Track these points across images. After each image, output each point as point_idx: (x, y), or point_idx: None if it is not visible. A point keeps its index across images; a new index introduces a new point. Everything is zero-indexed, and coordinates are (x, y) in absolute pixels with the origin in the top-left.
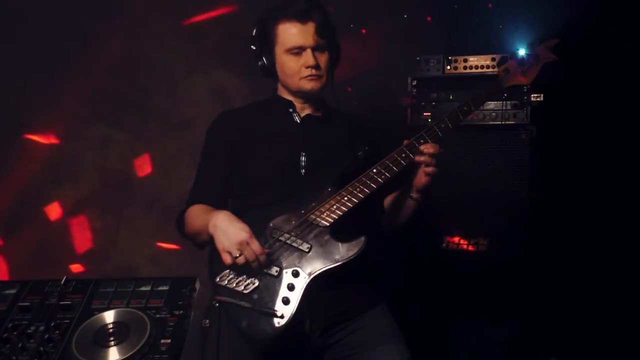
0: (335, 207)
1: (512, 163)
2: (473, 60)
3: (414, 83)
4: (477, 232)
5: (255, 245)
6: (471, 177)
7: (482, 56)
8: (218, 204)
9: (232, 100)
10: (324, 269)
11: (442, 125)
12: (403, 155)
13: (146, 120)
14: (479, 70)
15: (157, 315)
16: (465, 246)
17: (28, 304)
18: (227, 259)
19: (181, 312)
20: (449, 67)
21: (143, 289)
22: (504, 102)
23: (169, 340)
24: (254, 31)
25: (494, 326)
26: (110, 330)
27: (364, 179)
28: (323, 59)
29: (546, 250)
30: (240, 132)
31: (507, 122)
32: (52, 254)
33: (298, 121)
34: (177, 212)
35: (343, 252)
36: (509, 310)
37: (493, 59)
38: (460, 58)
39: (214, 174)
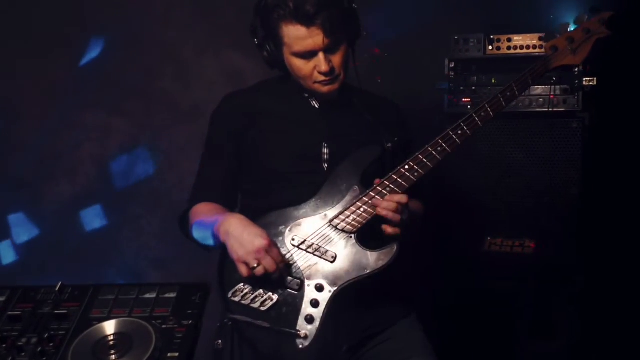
0: (362, 209)
1: (562, 155)
2: (518, 39)
3: (452, 65)
4: (523, 233)
5: (275, 253)
6: (515, 171)
7: (529, 35)
8: (226, 202)
9: (248, 84)
10: (351, 282)
11: (482, 114)
12: (438, 148)
13: (151, 108)
14: (525, 50)
15: (164, 326)
16: (509, 248)
17: (19, 313)
18: (243, 270)
19: (190, 322)
20: (490, 48)
21: (148, 296)
22: (553, 86)
23: (176, 354)
24: (255, 22)
25: (542, 339)
26: (111, 343)
27: (394, 177)
28: (337, 59)
29: (601, 253)
30: (250, 117)
31: (556, 109)
32: (47, 257)
33: (317, 107)
34: (178, 216)
35: (372, 261)
36: (559, 321)
37: (540, 38)
38: (504, 37)
39: (221, 166)
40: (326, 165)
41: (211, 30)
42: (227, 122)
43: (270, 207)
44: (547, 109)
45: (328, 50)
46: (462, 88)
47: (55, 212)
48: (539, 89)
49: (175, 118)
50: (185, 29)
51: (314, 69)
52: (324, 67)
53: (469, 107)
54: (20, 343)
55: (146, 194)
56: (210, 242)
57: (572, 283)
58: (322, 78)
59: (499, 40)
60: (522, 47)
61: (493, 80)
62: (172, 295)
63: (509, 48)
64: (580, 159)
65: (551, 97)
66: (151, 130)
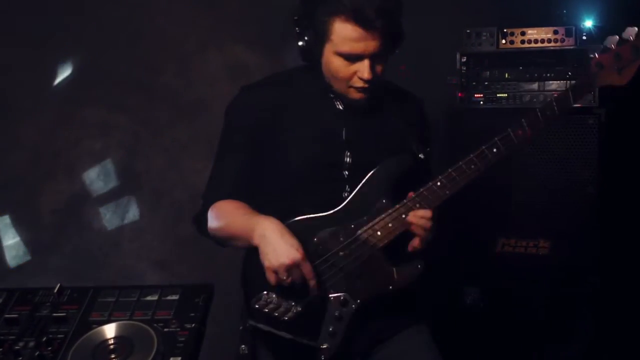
0: (390, 225)
1: (578, 153)
2: (532, 32)
3: (464, 60)
4: (537, 233)
5: (307, 269)
6: (529, 170)
7: (543, 28)
8: (243, 200)
9: (252, 79)
10: (374, 297)
11: (520, 132)
12: (472, 166)
13: (152, 103)
14: (539, 44)
15: (166, 329)
16: (523, 249)
17: (16, 315)
18: (272, 279)
19: (193, 325)
20: (504, 41)
21: (149, 298)
22: (568, 82)
23: (179, 358)
24: (299, 9)
25: (557, 342)
26: (111, 347)
27: (425, 193)
28: (380, 67)
29: (618, 254)
30: (269, 113)
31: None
32: (44, 258)
33: (341, 108)
34: (190, 207)
35: (396, 278)
36: (574, 324)
37: (555, 32)
38: (517, 30)
39: (238, 163)
40: (347, 173)
41: (214, 23)
42: (244, 116)
43: (288, 211)
44: None
45: (375, 58)
46: (474, 83)
47: (53, 211)
48: (553, 84)
49: (177, 114)
50: (187, 23)
51: (354, 73)
52: (366, 75)
53: (481, 102)
54: (17, 347)
55: (147, 192)
56: (238, 242)
57: (588, 285)
58: (360, 84)
59: (512, 34)
60: (536, 41)
61: (506, 75)
62: (175, 297)
63: (522, 42)
64: (597, 156)
65: None
66: (152, 126)
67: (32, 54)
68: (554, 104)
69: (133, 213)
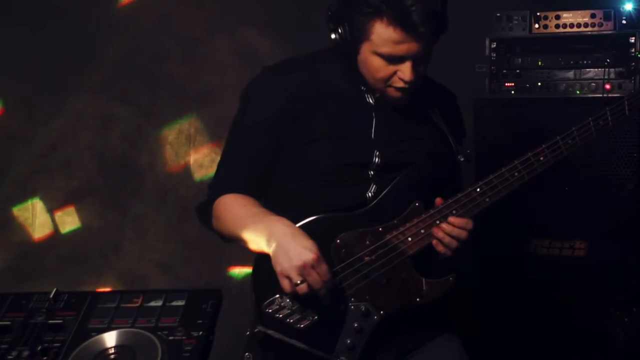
0: (423, 231)
1: (618, 146)
2: (567, 16)
3: (494, 45)
4: (573, 233)
5: (323, 270)
6: (565, 165)
7: (580, 11)
8: (255, 193)
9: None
10: (399, 310)
11: (570, 141)
12: (515, 174)
13: (156, 93)
14: (575, 29)
15: (171, 337)
16: (558, 251)
17: (8, 322)
18: (286, 285)
19: (200, 333)
20: (537, 26)
21: (153, 304)
22: (606, 69)
23: None
24: (337, 4)
25: (597, 350)
26: (112, 356)
27: (463, 199)
28: (422, 68)
29: None
30: (291, 102)
31: (610, 95)
32: (38, 260)
33: (372, 102)
34: (198, 203)
35: (426, 291)
36: (614, 331)
37: (593, 15)
38: (551, 14)
39: (254, 153)
40: (372, 173)
41: (223, 7)
42: (265, 101)
43: (305, 208)
44: (600, 95)
45: (418, 60)
46: (504, 71)
47: (49, 210)
48: (590, 72)
49: (183, 105)
50: (194, 6)
51: (394, 73)
52: (408, 76)
53: (512, 92)
54: (10, 357)
55: (150, 189)
56: (247, 245)
57: (628, 289)
58: (400, 84)
59: (546, 18)
60: (572, 25)
61: (540, 63)
62: (180, 303)
63: (557, 26)
64: (638, 150)
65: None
66: (156, 118)
67: (29, 41)
68: (608, 114)
69: (135, 212)
